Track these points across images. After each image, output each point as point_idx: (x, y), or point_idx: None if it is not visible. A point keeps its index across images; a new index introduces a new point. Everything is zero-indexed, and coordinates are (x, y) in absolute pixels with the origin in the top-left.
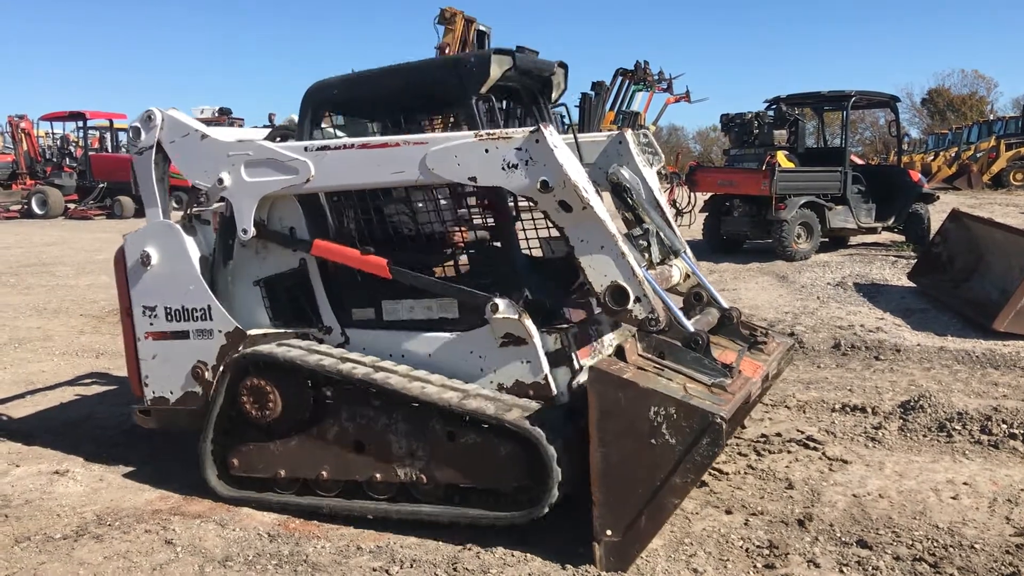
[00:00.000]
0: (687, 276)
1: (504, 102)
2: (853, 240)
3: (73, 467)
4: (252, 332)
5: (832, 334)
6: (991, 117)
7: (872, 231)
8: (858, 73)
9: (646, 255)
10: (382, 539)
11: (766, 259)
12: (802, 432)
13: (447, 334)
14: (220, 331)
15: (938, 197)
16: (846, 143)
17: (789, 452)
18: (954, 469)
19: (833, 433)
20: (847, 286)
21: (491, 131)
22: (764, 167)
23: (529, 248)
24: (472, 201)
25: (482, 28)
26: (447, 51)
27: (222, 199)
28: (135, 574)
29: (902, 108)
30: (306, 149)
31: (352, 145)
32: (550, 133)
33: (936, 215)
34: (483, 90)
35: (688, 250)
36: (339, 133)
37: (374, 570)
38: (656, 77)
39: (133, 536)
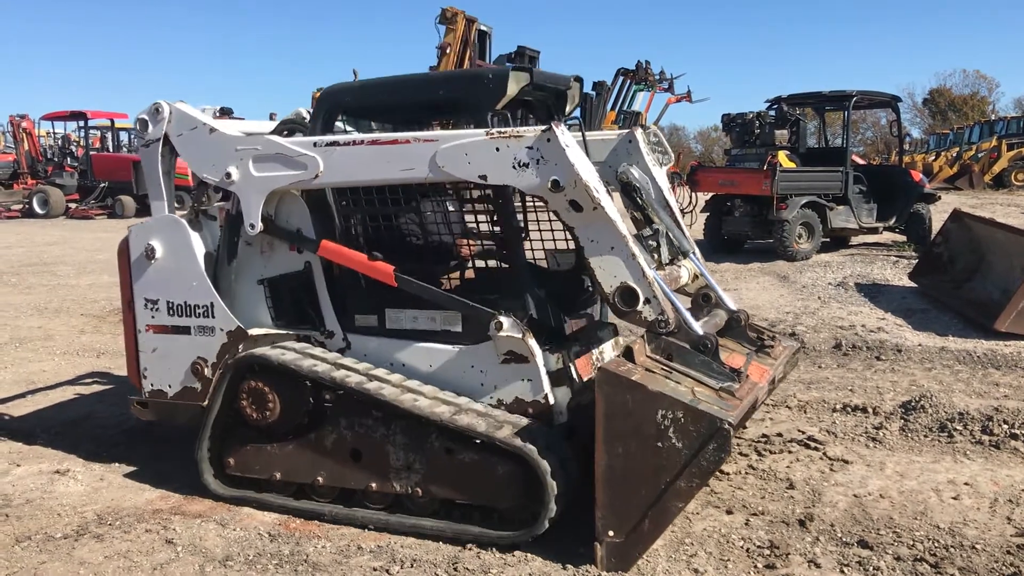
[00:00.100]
0: (695, 277)
1: (519, 114)
2: (854, 240)
3: (74, 466)
4: (253, 332)
5: (833, 334)
6: (992, 117)
7: (873, 231)
8: (859, 73)
9: (655, 256)
10: (382, 539)
11: (767, 259)
12: (803, 432)
13: (449, 347)
14: (222, 329)
15: (939, 197)
16: (847, 143)
17: (790, 452)
18: (955, 469)
19: (834, 433)
20: (848, 286)
21: (502, 129)
22: (765, 167)
23: (535, 259)
24: (481, 217)
25: (483, 28)
26: (448, 51)
27: (228, 195)
28: (136, 574)
29: (903, 108)
30: (315, 144)
31: (362, 141)
32: (562, 132)
33: (937, 215)
34: (499, 106)
35: (696, 251)
36: (348, 128)
37: (374, 570)
38: (657, 77)
39: (134, 536)
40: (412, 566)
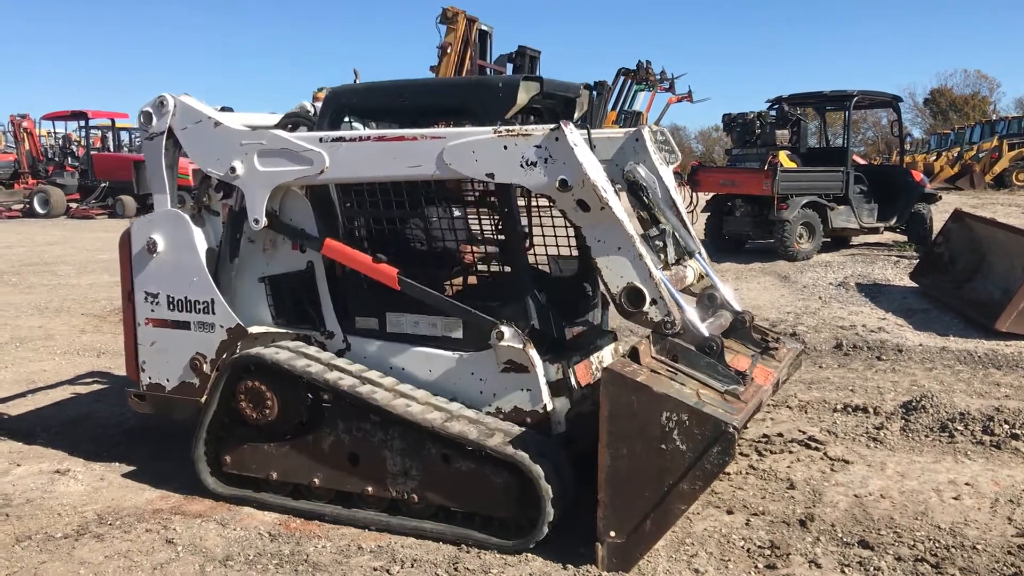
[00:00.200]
0: (701, 277)
1: (528, 120)
2: (855, 240)
3: (74, 466)
4: (253, 330)
5: (834, 334)
6: (994, 117)
7: (874, 231)
8: (860, 73)
9: (662, 256)
10: (383, 539)
11: (768, 259)
12: (804, 432)
13: (449, 353)
14: (222, 326)
15: (940, 197)
16: (848, 143)
17: (791, 452)
18: (956, 469)
19: (835, 433)
20: (849, 286)
21: (510, 127)
22: (766, 167)
23: (537, 263)
24: (484, 223)
25: (484, 28)
26: (448, 51)
27: (231, 191)
28: (136, 573)
29: (904, 108)
30: (321, 140)
31: (368, 137)
32: (571, 131)
33: (938, 215)
34: (508, 115)
35: (702, 250)
36: (355, 125)
37: (375, 570)
38: (658, 77)
39: (134, 535)
40: (412, 566)
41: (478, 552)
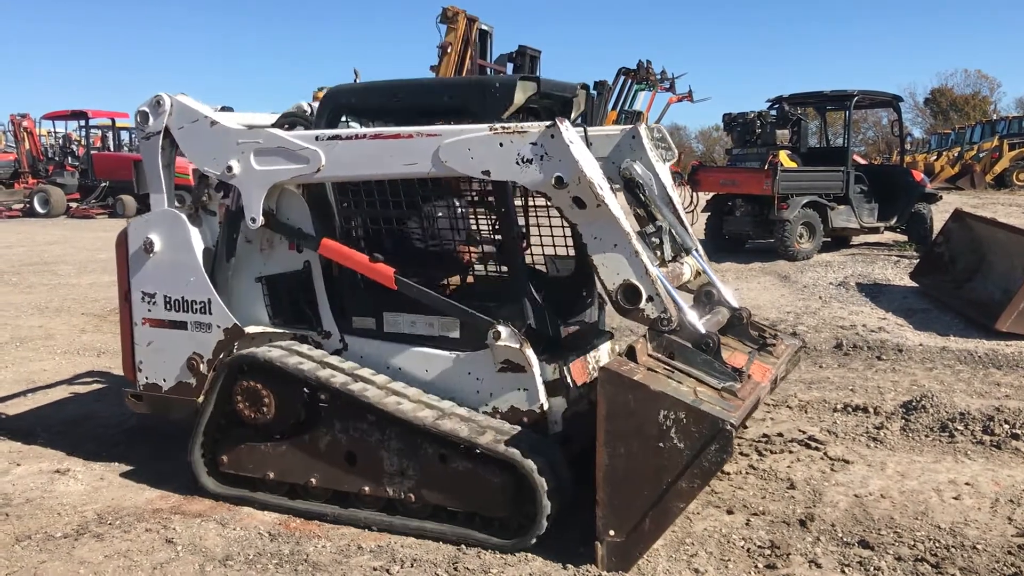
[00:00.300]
0: (698, 274)
1: (525, 119)
2: (855, 240)
3: (74, 466)
4: (250, 330)
5: (834, 334)
6: (994, 117)
7: (874, 231)
8: (860, 73)
9: (658, 253)
10: (382, 539)
11: (768, 259)
12: (804, 432)
13: (446, 352)
14: (218, 326)
15: (941, 197)
16: (848, 143)
17: (791, 452)
18: (956, 469)
19: (835, 433)
20: (849, 286)
21: (506, 125)
22: (766, 167)
23: (533, 261)
24: (481, 223)
25: (484, 27)
26: (449, 50)
27: (229, 189)
28: (136, 573)
29: (905, 108)
30: (317, 138)
31: (364, 135)
32: (566, 128)
33: (939, 215)
34: (504, 116)
35: (699, 247)
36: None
37: (375, 569)
38: (658, 76)
39: (134, 535)
40: (412, 566)
41: (478, 552)
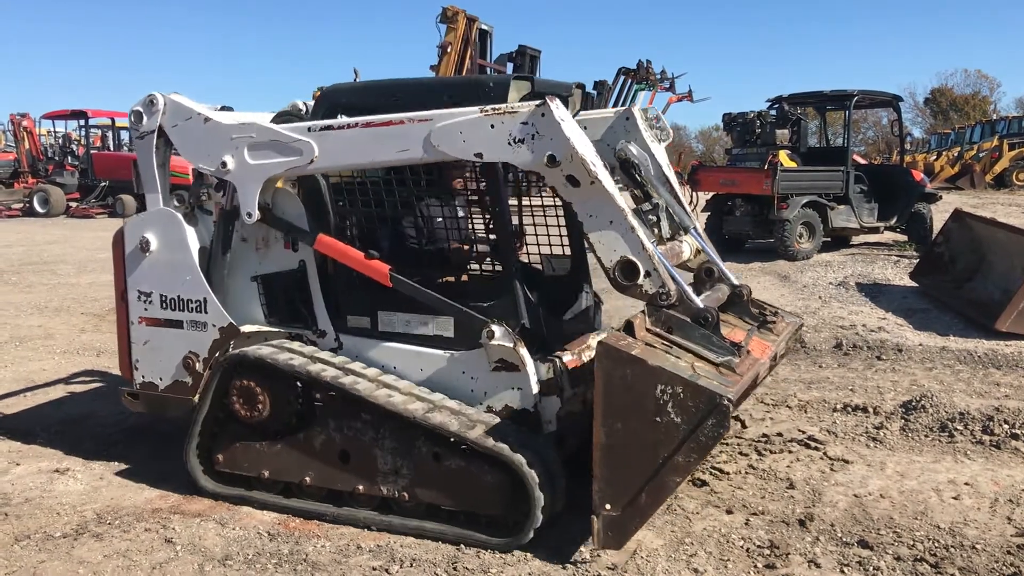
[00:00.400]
0: (697, 252)
1: None
2: (855, 240)
3: (73, 465)
4: (245, 328)
5: (834, 334)
6: (994, 117)
7: (874, 231)
8: (860, 72)
9: (655, 231)
10: (382, 538)
11: (768, 259)
12: (803, 432)
13: (441, 351)
14: (214, 325)
15: (940, 197)
16: (848, 143)
17: (790, 452)
18: (956, 469)
19: (834, 433)
20: (849, 286)
21: (496, 106)
22: (766, 166)
23: (529, 258)
24: (478, 223)
25: (484, 27)
26: (448, 50)
27: (224, 185)
28: (135, 573)
29: (905, 108)
30: (309, 129)
31: (356, 124)
32: (557, 106)
33: (938, 215)
34: None
35: (698, 226)
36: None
37: (374, 569)
38: (658, 76)
39: (133, 535)
40: (411, 566)
41: (477, 552)
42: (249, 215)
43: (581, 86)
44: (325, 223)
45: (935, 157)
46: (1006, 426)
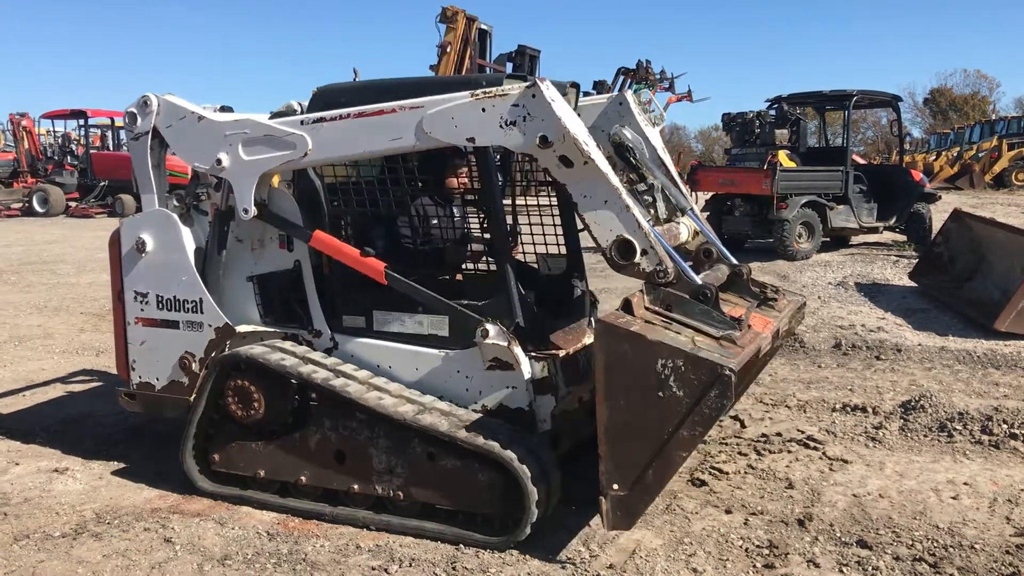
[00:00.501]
0: (695, 234)
1: None
2: (854, 240)
3: (72, 465)
4: (241, 328)
5: (833, 334)
6: (993, 117)
7: (874, 231)
8: (860, 72)
9: (652, 211)
10: (381, 538)
11: (767, 258)
12: (802, 432)
13: (435, 351)
14: (210, 325)
15: (940, 197)
16: (848, 143)
17: (789, 452)
18: (955, 469)
19: (833, 433)
20: (848, 286)
21: (487, 89)
22: (766, 166)
23: (524, 255)
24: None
25: (483, 27)
26: (448, 50)
27: (220, 182)
28: (134, 572)
29: (904, 108)
30: (302, 123)
31: (348, 115)
32: (547, 87)
33: (938, 215)
34: None
35: (695, 207)
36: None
37: (373, 569)
38: (658, 76)
39: (132, 534)
40: (411, 565)
41: (476, 551)
42: (245, 211)
43: (576, 85)
44: (321, 222)
45: (934, 157)
46: (1005, 426)
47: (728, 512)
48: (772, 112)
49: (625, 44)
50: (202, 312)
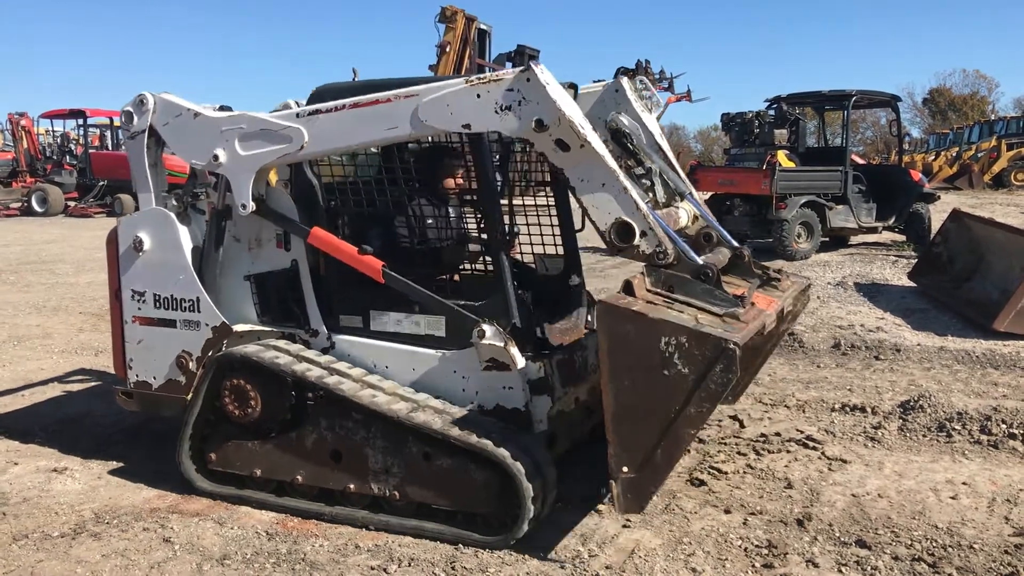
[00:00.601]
0: (695, 218)
1: None
2: (854, 240)
3: (71, 465)
4: (238, 328)
5: (832, 334)
6: (992, 117)
7: (873, 231)
8: (859, 72)
9: (651, 195)
10: (380, 538)
11: (766, 258)
12: (801, 432)
13: (432, 351)
14: (207, 324)
15: (939, 197)
16: (847, 142)
17: (788, 452)
18: (953, 469)
19: (832, 433)
20: (847, 286)
21: (481, 75)
22: (765, 166)
23: (521, 254)
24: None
25: (483, 27)
26: (447, 49)
27: (217, 178)
28: (133, 572)
29: (903, 108)
30: (298, 116)
31: (343, 106)
32: (541, 71)
33: (937, 215)
34: None
35: (694, 192)
36: None
37: (372, 569)
38: (657, 76)
39: (131, 534)
40: (410, 565)
41: (475, 551)
42: (244, 207)
43: (574, 86)
44: (318, 220)
45: (933, 157)
46: (1004, 426)
47: (727, 512)
48: (771, 112)
49: (624, 44)
50: (199, 311)
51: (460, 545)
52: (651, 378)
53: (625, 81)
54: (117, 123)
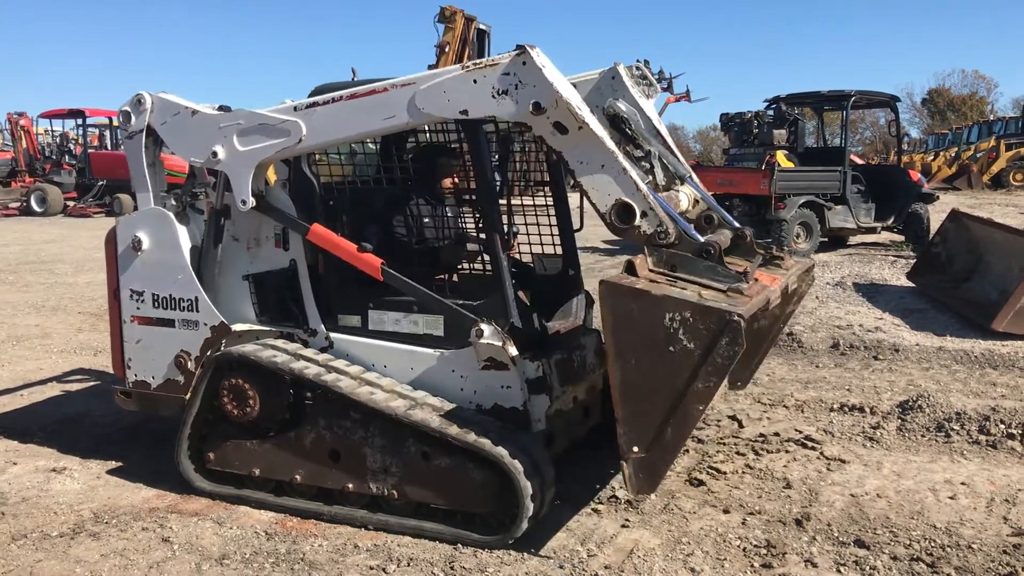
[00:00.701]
0: (696, 201)
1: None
2: (852, 240)
3: (70, 464)
4: (236, 327)
5: (831, 334)
6: (991, 117)
7: (871, 231)
8: (858, 73)
9: (650, 178)
10: (379, 538)
11: None
12: (800, 432)
13: (431, 350)
14: (205, 324)
15: (938, 197)
16: (846, 143)
17: (787, 452)
18: (952, 469)
19: (831, 433)
20: (846, 286)
21: (477, 61)
22: (764, 166)
23: (520, 254)
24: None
25: (482, 27)
26: (447, 49)
27: (216, 177)
28: (132, 572)
29: (902, 108)
30: (295, 109)
31: (340, 97)
32: (537, 54)
33: (936, 215)
34: None
35: (694, 175)
36: None
37: (371, 568)
38: (656, 76)
39: (130, 534)
40: (409, 565)
41: (474, 551)
42: (243, 203)
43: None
44: (317, 217)
45: (932, 157)
46: (1002, 426)
47: (726, 512)
48: (770, 112)
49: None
50: (198, 311)
51: (459, 544)
52: (657, 355)
53: (621, 67)
54: (116, 123)
